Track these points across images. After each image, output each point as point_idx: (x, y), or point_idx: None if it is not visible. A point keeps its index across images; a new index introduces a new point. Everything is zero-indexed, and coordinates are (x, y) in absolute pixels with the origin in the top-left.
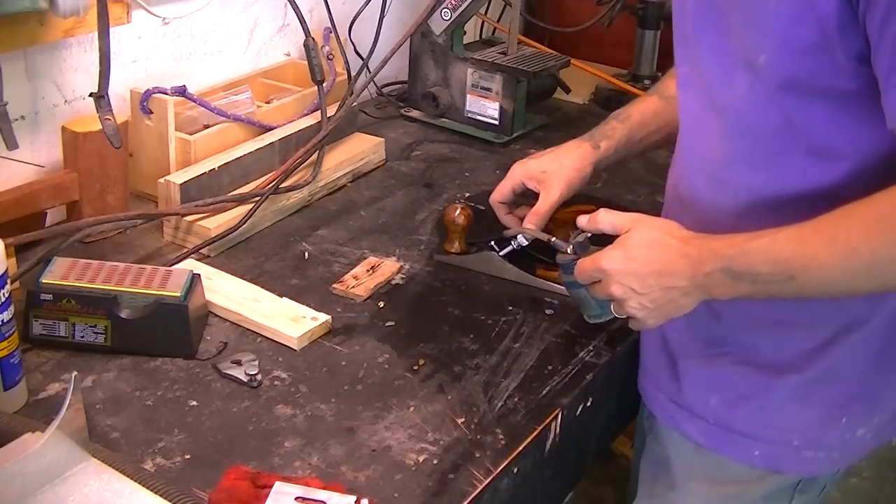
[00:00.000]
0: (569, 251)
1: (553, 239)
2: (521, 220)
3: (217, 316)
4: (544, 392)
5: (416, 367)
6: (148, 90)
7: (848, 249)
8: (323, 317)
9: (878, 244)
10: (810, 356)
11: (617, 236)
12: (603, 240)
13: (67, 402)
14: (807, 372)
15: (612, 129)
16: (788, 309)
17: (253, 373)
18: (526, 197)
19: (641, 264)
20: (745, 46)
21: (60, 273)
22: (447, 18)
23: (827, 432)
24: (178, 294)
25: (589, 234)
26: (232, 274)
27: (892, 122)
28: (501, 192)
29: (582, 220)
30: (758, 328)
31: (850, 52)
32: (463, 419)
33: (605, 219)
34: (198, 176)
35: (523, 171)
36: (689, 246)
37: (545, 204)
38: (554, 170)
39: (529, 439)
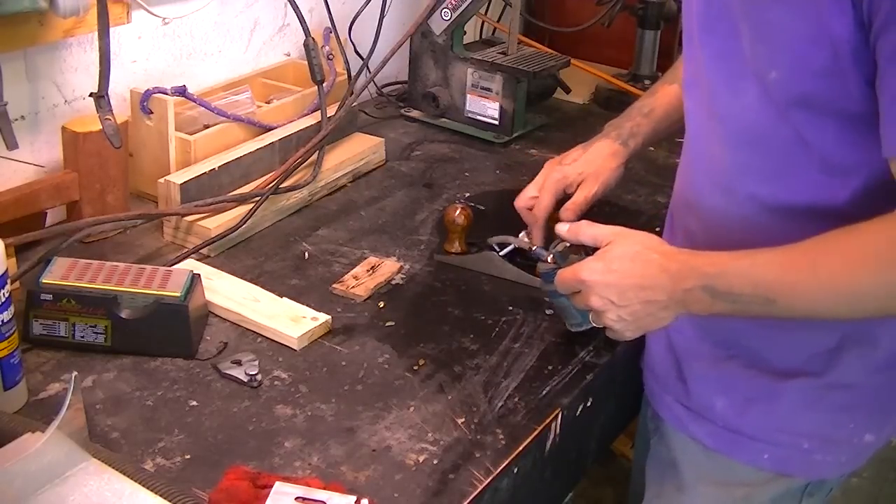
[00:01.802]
0: (549, 260)
1: (534, 248)
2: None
3: (217, 316)
4: (544, 392)
5: (416, 367)
6: (148, 90)
7: (830, 281)
8: (323, 317)
9: (859, 277)
10: (817, 361)
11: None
12: (587, 249)
13: (67, 402)
14: (814, 377)
15: (637, 126)
16: None
17: (253, 373)
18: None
19: (621, 277)
20: (755, 58)
21: (60, 273)
22: (447, 18)
23: (836, 436)
24: (178, 294)
25: (568, 244)
26: (232, 274)
27: (888, 151)
28: (545, 209)
29: (562, 230)
30: (764, 332)
31: (863, 77)
32: (463, 419)
33: (586, 230)
34: (198, 176)
35: (562, 180)
36: (671, 261)
37: (581, 197)
38: (591, 171)
39: (529, 439)
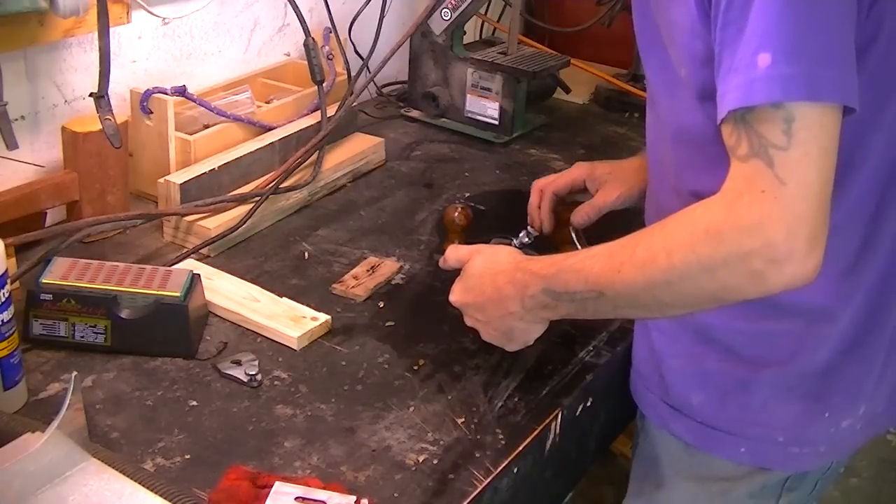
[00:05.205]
0: None
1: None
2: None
3: (217, 316)
4: (544, 392)
5: (416, 367)
6: (148, 90)
7: (648, 259)
8: (323, 317)
9: (674, 249)
10: (785, 350)
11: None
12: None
13: (67, 402)
14: (784, 367)
15: None
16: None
17: (253, 373)
18: (572, 195)
19: (476, 294)
20: (675, 61)
21: (60, 273)
22: (447, 18)
23: (811, 427)
24: (178, 294)
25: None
26: (232, 274)
27: (719, 113)
28: (559, 185)
29: (442, 263)
30: (734, 325)
31: None
32: (463, 419)
33: (451, 255)
34: (198, 176)
35: (588, 171)
36: (517, 270)
37: (600, 200)
38: (618, 174)
39: (529, 439)
